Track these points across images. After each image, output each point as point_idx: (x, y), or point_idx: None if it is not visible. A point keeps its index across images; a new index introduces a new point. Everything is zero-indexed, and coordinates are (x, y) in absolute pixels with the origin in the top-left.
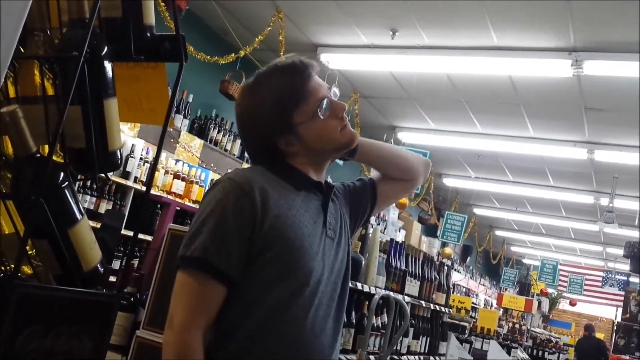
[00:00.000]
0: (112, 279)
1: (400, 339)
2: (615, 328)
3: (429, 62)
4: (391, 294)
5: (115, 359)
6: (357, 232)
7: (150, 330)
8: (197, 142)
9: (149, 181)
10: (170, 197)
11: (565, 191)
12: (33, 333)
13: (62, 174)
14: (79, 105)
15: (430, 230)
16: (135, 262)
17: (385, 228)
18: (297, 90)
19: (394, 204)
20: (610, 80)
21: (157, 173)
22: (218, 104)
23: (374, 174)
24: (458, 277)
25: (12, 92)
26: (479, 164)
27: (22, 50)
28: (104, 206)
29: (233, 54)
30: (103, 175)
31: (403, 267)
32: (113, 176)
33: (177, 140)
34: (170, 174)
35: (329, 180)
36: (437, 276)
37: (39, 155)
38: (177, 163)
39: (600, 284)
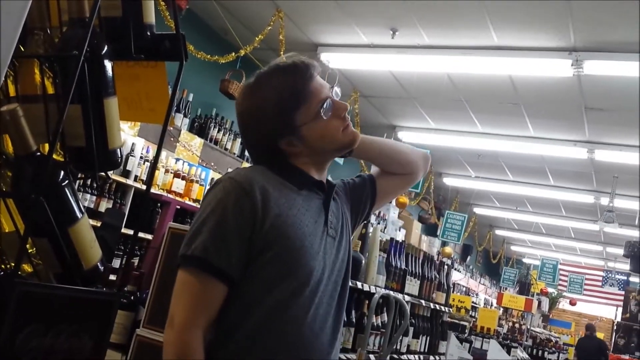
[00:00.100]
0: (113, 277)
1: (400, 338)
2: (615, 328)
3: (429, 61)
4: (391, 293)
5: (115, 357)
6: (357, 231)
7: (150, 329)
8: (198, 141)
9: (149, 180)
10: (170, 195)
11: (565, 191)
12: (33, 331)
13: (62, 173)
14: (79, 104)
15: (430, 230)
16: (136, 260)
17: (385, 227)
18: (299, 91)
19: (394, 203)
20: (611, 80)
21: (157, 172)
22: (218, 103)
23: (373, 170)
24: (458, 276)
25: (12, 91)
26: (479, 164)
27: (23, 49)
28: (104, 205)
29: (233, 53)
30: (103, 173)
31: (403, 266)
32: (113, 175)
33: (177, 139)
34: (171, 172)
35: (330, 179)
36: (437, 275)
37: (39, 153)
38: (178, 162)
39: (600, 283)
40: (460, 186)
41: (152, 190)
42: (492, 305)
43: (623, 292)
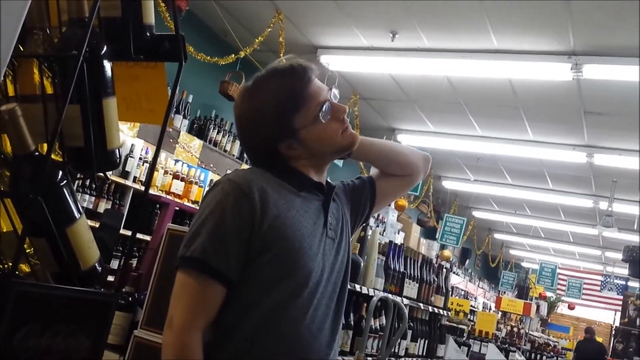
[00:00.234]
0: (111, 278)
1: (399, 341)
2: (613, 332)
3: (428, 64)
4: (390, 296)
5: (113, 358)
6: (355, 234)
7: (148, 330)
8: (197, 143)
9: (148, 181)
10: (169, 197)
11: (564, 195)
12: (30, 331)
13: (60, 173)
14: (78, 104)
15: (429, 233)
16: (134, 261)
17: (384, 230)
18: (297, 95)
19: (393, 206)
20: (610, 84)
21: (156, 173)
22: (218, 104)
23: (372, 171)
24: (457, 279)
25: (11, 91)
26: (478, 167)
27: (22, 49)
28: (103, 205)
29: (233, 55)
30: (102, 174)
31: (402, 270)
32: (112, 176)
33: (176, 141)
34: (170, 174)
35: (329, 180)
36: (436, 279)
37: (37, 153)
38: (177, 163)
39: (599, 287)
40: (459, 189)
41: (151, 191)
42: (490, 309)
43: (622, 297)
